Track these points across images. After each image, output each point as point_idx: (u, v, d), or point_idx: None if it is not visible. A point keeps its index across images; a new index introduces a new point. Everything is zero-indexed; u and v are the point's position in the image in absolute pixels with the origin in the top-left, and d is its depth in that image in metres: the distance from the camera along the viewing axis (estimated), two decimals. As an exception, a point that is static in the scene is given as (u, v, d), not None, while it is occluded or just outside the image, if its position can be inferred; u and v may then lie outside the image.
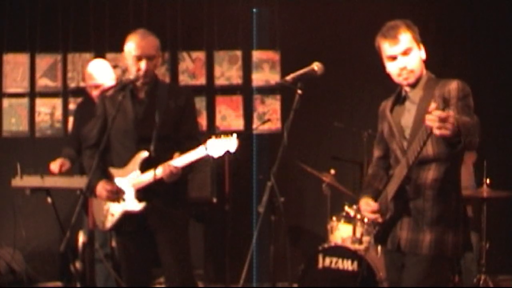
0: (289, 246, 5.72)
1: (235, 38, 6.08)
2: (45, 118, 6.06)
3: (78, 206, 3.19)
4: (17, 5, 6.05)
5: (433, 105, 2.47)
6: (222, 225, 5.52)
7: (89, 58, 5.70)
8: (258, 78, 6.08)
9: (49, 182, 4.37)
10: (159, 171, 3.43)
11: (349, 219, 4.84)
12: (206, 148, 3.38)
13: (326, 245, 4.70)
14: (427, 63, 3.02)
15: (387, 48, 2.95)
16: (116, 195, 3.53)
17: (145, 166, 3.50)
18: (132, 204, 3.53)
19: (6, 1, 6.06)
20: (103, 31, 6.00)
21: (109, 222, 3.60)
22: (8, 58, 6.07)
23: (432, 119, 2.47)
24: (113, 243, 4.54)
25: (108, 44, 5.99)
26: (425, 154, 2.86)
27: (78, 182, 4.25)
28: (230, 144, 3.39)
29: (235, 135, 3.42)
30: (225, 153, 3.39)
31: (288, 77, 2.99)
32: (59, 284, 5.68)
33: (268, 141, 5.99)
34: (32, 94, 6.07)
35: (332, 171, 5.07)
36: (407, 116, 2.99)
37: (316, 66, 3.01)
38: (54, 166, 4.54)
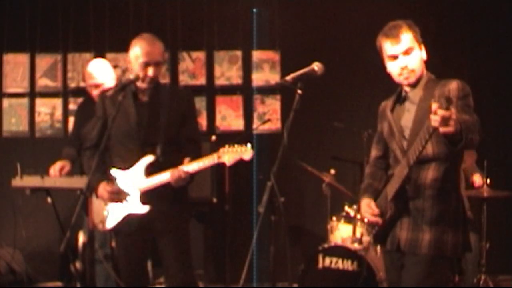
0: (289, 246, 5.72)
1: (235, 38, 6.08)
2: (45, 118, 6.06)
3: (78, 206, 3.19)
4: (17, 5, 6.05)
5: (435, 105, 2.47)
6: (222, 225, 5.52)
7: (89, 58, 5.69)
8: (258, 78, 6.08)
9: (49, 182, 4.37)
10: (167, 175, 3.44)
11: (349, 219, 4.84)
12: (218, 156, 3.41)
13: (326, 245, 4.70)
14: (427, 63, 3.03)
15: (388, 47, 2.96)
16: (117, 196, 3.54)
17: (150, 169, 3.51)
18: (136, 206, 3.54)
19: (6, 1, 6.06)
20: (103, 31, 6.01)
21: (110, 223, 3.60)
22: (8, 58, 6.07)
23: (436, 120, 2.48)
24: (113, 243, 4.55)
25: (108, 44, 5.99)
26: (425, 153, 2.86)
27: (78, 182, 4.24)
28: (244, 152, 3.42)
29: (249, 145, 3.45)
30: (238, 162, 3.42)
31: (288, 77, 2.99)
32: (59, 284, 5.68)
33: (268, 141, 5.99)
34: (32, 94, 6.07)
35: (332, 171, 5.08)
36: (407, 116, 3.00)
37: (316, 66, 3.01)
38: (54, 170, 4.53)
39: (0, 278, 5.27)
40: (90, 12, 6.04)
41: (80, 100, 5.39)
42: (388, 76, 3.05)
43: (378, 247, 4.44)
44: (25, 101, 6.06)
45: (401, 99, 3.06)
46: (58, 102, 6.06)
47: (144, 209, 3.52)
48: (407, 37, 2.94)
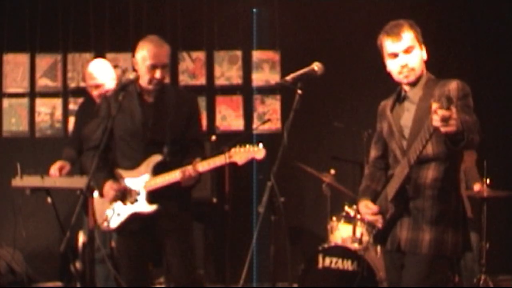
0: (289, 246, 5.72)
1: (235, 38, 6.08)
2: (45, 118, 6.06)
3: (78, 206, 3.19)
4: (17, 5, 6.05)
5: (435, 105, 2.47)
6: (222, 225, 5.52)
7: (89, 58, 5.70)
8: (258, 78, 6.08)
9: (49, 182, 4.37)
10: (177, 175, 3.45)
11: (349, 219, 4.84)
12: (230, 156, 3.43)
13: (326, 245, 4.70)
14: (427, 63, 3.03)
15: (389, 45, 2.96)
16: (124, 195, 3.55)
17: (157, 169, 3.53)
18: (142, 205, 3.55)
19: (6, 1, 6.06)
20: (103, 31, 6.01)
21: (115, 222, 3.61)
22: (8, 58, 6.07)
23: (437, 119, 2.48)
24: (113, 243, 4.55)
25: (108, 44, 5.99)
26: (425, 153, 2.86)
27: (78, 182, 4.25)
28: (256, 152, 3.44)
29: (261, 144, 3.47)
30: (249, 161, 3.44)
31: (288, 77, 3.00)
32: (59, 284, 5.68)
33: (268, 141, 5.97)
34: (32, 94, 6.07)
35: (332, 171, 5.07)
36: (407, 116, 3.00)
37: (316, 66, 3.02)
38: (54, 170, 4.53)
39: (0, 278, 5.27)
40: (90, 12, 6.04)
41: (80, 100, 5.39)
42: (388, 75, 3.05)
43: (378, 247, 4.44)
44: (25, 101, 6.06)
45: (400, 98, 3.06)
46: (58, 102, 6.06)
47: (151, 208, 3.53)
48: (408, 36, 2.94)
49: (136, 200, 3.55)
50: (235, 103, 6.07)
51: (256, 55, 6.10)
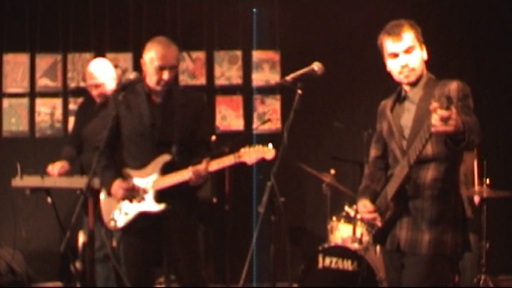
0: (289, 246, 5.72)
1: (235, 38, 6.09)
2: (45, 118, 6.06)
3: (78, 206, 3.19)
4: (17, 5, 6.05)
5: (435, 104, 2.47)
6: (222, 225, 5.52)
7: (89, 58, 5.70)
8: (258, 78, 6.09)
9: (49, 182, 4.37)
10: (187, 174, 3.47)
11: (349, 219, 4.84)
12: (239, 156, 3.44)
13: (326, 245, 4.70)
14: (427, 63, 3.03)
15: (389, 44, 2.96)
16: (132, 194, 3.57)
17: (165, 169, 3.54)
18: (150, 205, 3.56)
19: (6, 1, 6.06)
20: (103, 31, 6.01)
21: (122, 221, 3.62)
22: (8, 58, 6.07)
23: (436, 119, 2.48)
24: (114, 243, 4.54)
25: (108, 44, 5.99)
26: (425, 153, 2.86)
27: (78, 182, 4.25)
28: (266, 152, 3.44)
29: (270, 144, 3.46)
30: (259, 161, 3.45)
31: (288, 77, 2.99)
32: (59, 284, 5.68)
33: (268, 141, 5.98)
34: (32, 94, 6.07)
35: (332, 171, 5.07)
36: (407, 116, 3.00)
37: (316, 66, 3.02)
38: (52, 169, 4.53)
39: (0, 278, 5.27)
40: (90, 12, 6.04)
41: (80, 100, 5.38)
42: (388, 75, 3.05)
43: (378, 247, 4.44)
44: (25, 101, 6.06)
45: (401, 98, 3.06)
46: (58, 102, 6.06)
47: (159, 207, 3.55)
48: (408, 36, 2.94)
49: (143, 199, 3.57)
50: (235, 103, 6.07)
51: (256, 55, 6.10)
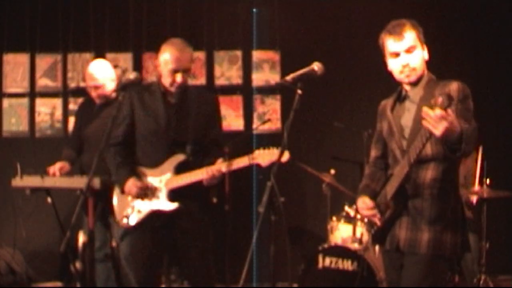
0: (289, 246, 5.71)
1: (235, 38, 6.08)
2: (45, 118, 6.06)
3: (78, 206, 3.19)
4: (17, 5, 6.04)
5: (439, 99, 2.48)
6: (222, 225, 5.51)
7: (89, 58, 5.70)
8: (258, 78, 6.08)
9: (49, 182, 4.37)
10: (201, 174, 3.49)
11: (349, 219, 4.84)
12: (253, 158, 3.50)
13: (326, 245, 4.70)
14: (427, 63, 3.03)
15: (391, 44, 2.96)
16: (146, 192, 3.60)
17: (179, 168, 3.59)
18: (163, 203, 3.61)
19: (6, 1, 6.06)
20: (103, 31, 6.00)
21: (135, 219, 3.65)
22: (8, 58, 6.07)
23: (429, 115, 2.49)
24: (113, 243, 4.55)
25: (108, 44, 5.99)
26: (424, 153, 2.86)
27: (78, 182, 4.25)
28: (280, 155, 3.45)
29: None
30: (272, 164, 3.45)
31: (288, 77, 2.99)
32: (59, 284, 5.68)
33: (268, 141, 5.97)
34: (32, 94, 6.07)
35: (332, 171, 5.07)
36: (407, 116, 3.00)
37: (316, 66, 3.02)
38: (53, 170, 4.53)
39: (0, 278, 5.27)
40: (90, 12, 6.03)
41: (80, 100, 5.38)
42: (389, 75, 3.05)
43: (376, 247, 4.45)
44: (25, 101, 6.06)
45: (401, 98, 3.06)
46: (58, 102, 6.06)
47: (172, 206, 3.59)
48: (410, 36, 2.94)
49: (157, 197, 3.58)
50: (235, 103, 6.07)
51: (256, 55, 6.09)
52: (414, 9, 5.73)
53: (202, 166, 3.54)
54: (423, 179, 2.91)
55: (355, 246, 4.62)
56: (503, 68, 6.06)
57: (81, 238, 4.99)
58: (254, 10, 6.15)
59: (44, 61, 6.07)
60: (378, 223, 3.07)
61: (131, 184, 3.62)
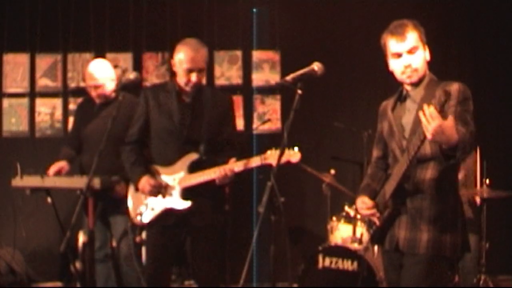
0: (289, 246, 5.71)
1: (235, 38, 6.08)
2: (45, 118, 6.06)
3: (78, 206, 3.19)
4: (17, 5, 6.05)
5: (442, 98, 2.49)
6: (222, 225, 5.50)
7: (89, 58, 5.70)
8: (258, 78, 6.08)
9: (49, 182, 4.36)
10: (214, 173, 3.52)
11: (349, 219, 4.84)
12: (265, 158, 3.51)
13: (326, 245, 4.70)
14: (428, 64, 3.03)
15: (393, 44, 2.96)
16: (158, 190, 3.64)
17: (193, 167, 3.61)
18: (176, 201, 3.63)
19: (6, 1, 6.06)
20: (103, 31, 6.01)
21: (148, 216, 3.69)
22: (8, 58, 6.07)
23: (426, 113, 2.50)
24: (113, 243, 4.55)
25: (108, 44, 5.99)
26: (424, 153, 2.86)
27: (78, 182, 4.24)
28: (291, 155, 3.48)
29: (296, 148, 3.50)
30: (286, 164, 3.46)
31: (288, 77, 2.99)
32: (59, 284, 5.68)
33: (268, 141, 5.98)
34: (32, 94, 6.07)
35: (332, 171, 5.07)
36: (408, 116, 3.00)
37: (316, 66, 3.01)
38: (52, 170, 4.53)
39: (0, 278, 5.27)
40: (90, 12, 6.03)
41: (80, 100, 5.38)
42: (389, 75, 3.05)
43: (376, 247, 4.44)
44: (25, 101, 6.06)
45: (402, 98, 3.06)
46: (58, 102, 6.06)
47: (185, 204, 3.61)
48: (412, 36, 2.94)
49: (170, 195, 3.60)
50: (235, 103, 6.00)
51: (256, 55, 6.09)
52: (414, 9, 5.72)
53: (215, 165, 3.57)
54: (423, 178, 2.91)
55: (355, 246, 4.62)
56: (503, 68, 6.06)
57: (81, 238, 4.99)
58: (254, 10, 6.16)
59: (44, 61, 6.07)
60: (377, 222, 3.06)
61: (145, 182, 3.66)
